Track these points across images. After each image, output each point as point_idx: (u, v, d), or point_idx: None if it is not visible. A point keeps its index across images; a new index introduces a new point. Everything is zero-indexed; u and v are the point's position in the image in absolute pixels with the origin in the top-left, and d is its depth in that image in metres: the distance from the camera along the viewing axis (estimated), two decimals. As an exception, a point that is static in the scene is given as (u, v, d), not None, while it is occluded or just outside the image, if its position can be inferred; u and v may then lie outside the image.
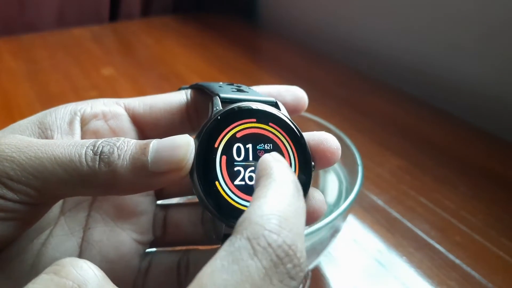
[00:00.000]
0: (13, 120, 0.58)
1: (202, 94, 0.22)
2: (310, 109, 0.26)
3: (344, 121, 0.53)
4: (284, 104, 0.22)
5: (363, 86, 0.64)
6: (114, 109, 0.22)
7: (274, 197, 0.15)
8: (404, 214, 0.39)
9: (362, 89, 0.63)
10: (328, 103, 0.57)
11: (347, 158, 0.32)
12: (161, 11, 0.94)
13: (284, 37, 0.84)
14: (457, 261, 0.34)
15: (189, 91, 0.23)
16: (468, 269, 0.33)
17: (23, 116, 0.20)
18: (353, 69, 0.69)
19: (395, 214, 0.39)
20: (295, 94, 0.23)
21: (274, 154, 0.17)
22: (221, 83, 0.22)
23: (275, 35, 0.86)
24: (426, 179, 0.43)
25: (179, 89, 0.23)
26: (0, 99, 0.58)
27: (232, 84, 0.23)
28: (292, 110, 0.23)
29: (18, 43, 0.77)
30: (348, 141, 0.33)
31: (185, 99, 0.22)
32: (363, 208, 0.39)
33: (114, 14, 0.91)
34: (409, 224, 0.38)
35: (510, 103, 0.51)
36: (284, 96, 0.23)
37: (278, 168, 0.16)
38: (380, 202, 0.40)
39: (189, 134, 0.18)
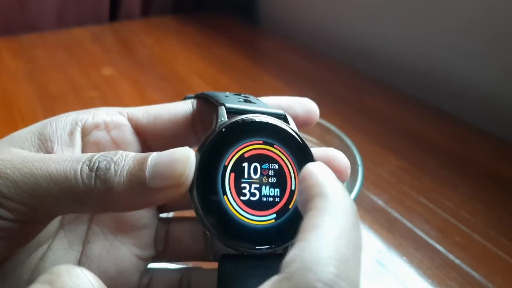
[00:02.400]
0: (13, 120, 0.58)
1: (208, 104, 0.21)
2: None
3: (344, 121, 0.53)
4: (295, 117, 0.21)
5: (363, 86, 0.64)
6: (116, 119, 0.21)
7: (332, 230, 0.13)
8: (404, 214, 0.39)
9: (362, 89, 0.63)
10: (328, 103, 0.57)
11: (347, 158, 0.32)
12: (161, 11, 0.94)
13: (284, 37, 0.84)
14: (457, 261, 0.34)
15: (194, 101, 0.22)
16: (468, 269, 0.33)
17: (22, 116, 0.20)
18: (354, 69, 0.69)
19: (395, 214, 0.39)
20: (306, 106, 0.22)
21: (321, 164, 0.16)
22: (227, 92, 0.22)
23: (275, 35, 0.86)
24: (426, 179, 0.43)
25: (184, 98, 0.23)
26: (0, 99, 0.58)
27: (239, 94, 0.22)
28: (303, 122, 0.22)
29: (18, 43, 0.77)
30: (348, 141, 0.33)
31: (191, 109, 0.22)
32: (363, 208, 0.39)
33: (114, 14, 0.91)
34: (409, 224, 0.38)
35: (510, 103, 0.51)
36: (295, 108, 0.22)
37: (333, 187, 0.14)
38: (380, 202, 0.40)
39: (194, 145, 0.18)
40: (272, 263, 0.18)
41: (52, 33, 0.82)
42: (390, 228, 0.37)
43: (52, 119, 0.20)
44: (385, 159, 0.46)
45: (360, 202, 0.40)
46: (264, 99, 0.22)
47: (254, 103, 0.21)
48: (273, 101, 0.22)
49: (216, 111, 0.19)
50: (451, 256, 0.34)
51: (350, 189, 0.31)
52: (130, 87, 0.63)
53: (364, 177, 0.31)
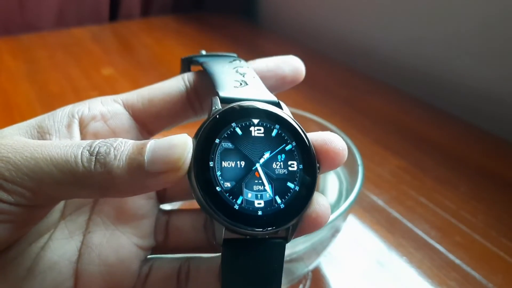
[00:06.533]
0: (13, 120, 0.57)
1: (202, 75, 0.22)
2: (310, 109, 0.26)
3: (345, 121, 0.53)
4: (283, 76, 0.22)
5: (363, 86, 0.64)
6: (112, 108, 0.21)
7: None
8: (404, 214, 0.39)
9: (362, 89, 0.63)
10: (328, 103, 0.57)
11: (347, 158, 0.32)
12: (161, 11, 0.94)
13: (284, 36, 0.84)
14: (457, 261, 0.34)
15: (186, 76, 0.22)
16: (468, 269, 0.33)
17: (22, 116, 0.20)
18: (353, 69, 0.69)
19: (395, 214, 0.39)
20: (293, 65, 0.23)
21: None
22: (225, 65, 0.22)
23: (275, 35, 0.86)
24: (426, 179, 0.43)
25: (182, 59, 0.23)
26: (0, 99, 0.58)
27: (235, 58, 0.23)
28: (291, 81, 0.23)
29: (17, 43, 0.77)
30: (348, 141, 0.33)
31: (184, 85, 0.22)
32: (363, 208, 0.39)
33: (114, 14, 0.91)
34: (409, 224, 0.38)
35: (510, 103, 0.51)
36: (283, 67, 0.23)
37: None
38: (380, 202, 0.40)
39: (193, 120, 0.18)
40: (275, 245, 0.18)
41: (51, 33, 0.82)
42: (390, 228, 0.37)
43: (50, 113, 0.20)
44: (385, 159, 0.46)
45: (360, 202, 0.40)
46: (252, 63, 0.23)
47: (248, 85, 0.21)
48: (261, 63, 0.23)
49: (211, 100, 0.20)
50: (451, 256, 0.34)
51: (350, 189, 0.31)
52: (130, 87, 0.62)
53: (364, 177, 0.31)
